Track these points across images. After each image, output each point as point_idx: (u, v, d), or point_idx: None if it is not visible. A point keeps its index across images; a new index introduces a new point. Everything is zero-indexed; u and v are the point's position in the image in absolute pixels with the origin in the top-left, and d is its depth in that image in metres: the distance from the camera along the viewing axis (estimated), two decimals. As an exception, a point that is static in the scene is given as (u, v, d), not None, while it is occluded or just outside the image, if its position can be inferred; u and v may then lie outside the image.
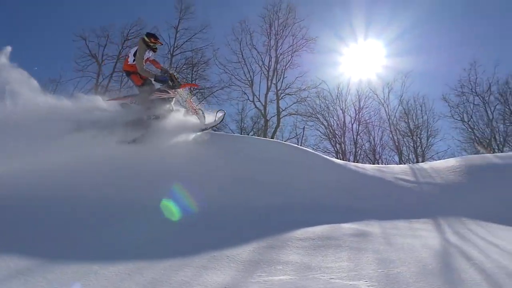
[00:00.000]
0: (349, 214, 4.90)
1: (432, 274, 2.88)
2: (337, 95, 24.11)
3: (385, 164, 21.71)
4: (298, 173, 6.55)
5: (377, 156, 24.05)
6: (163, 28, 23.23)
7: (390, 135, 23.65)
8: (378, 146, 24.06)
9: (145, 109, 6.98)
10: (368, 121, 24.26)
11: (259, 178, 6.06)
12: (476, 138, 23.12)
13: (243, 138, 7.56)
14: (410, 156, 23.60)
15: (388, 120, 23.67)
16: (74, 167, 5.51)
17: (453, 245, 3.93)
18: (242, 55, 22.77)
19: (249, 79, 22.48)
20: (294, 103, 22.80)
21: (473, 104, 23.44)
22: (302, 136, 23.92)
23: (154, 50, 7.03)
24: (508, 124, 22.76)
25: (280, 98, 22.38)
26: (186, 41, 22.58)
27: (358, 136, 23.87)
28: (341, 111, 24.00)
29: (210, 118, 7.38)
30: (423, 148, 23.51)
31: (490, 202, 6.25)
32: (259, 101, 22.22)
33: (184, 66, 22.72)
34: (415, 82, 27.88)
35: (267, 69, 22.54)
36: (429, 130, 23.68)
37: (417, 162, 20.85)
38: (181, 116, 7.34)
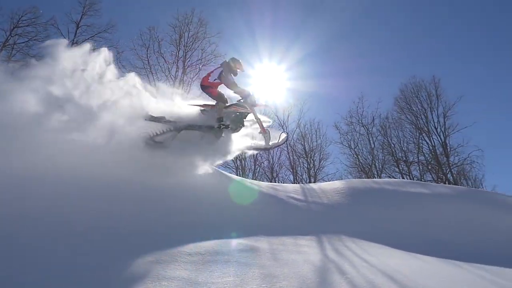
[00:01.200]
0: (240, 230, 4.98)
1: (310, 288, 3.09)
2: (241, 113, 24.68)
3: (281, 182, 22.87)
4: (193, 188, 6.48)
5: (274, 174, 25.19)
6: (62, 21, 21.29)
7: (287, 155, 25.10)
8: (276, 165, 25.27)
9: (219, 119, 7.45)
10: (268, 140, 25.24)
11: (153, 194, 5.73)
12: (360, 164, 25.85)
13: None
14: (304, 176, 25.29)
15: (286, 141, 25.08)
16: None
17: (331, 260, 4.27)
18: (148, 62, 22.01)
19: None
20: (199, 116, 22.58)
21: (359, 133, 26.39)
22: (204, 150, 23.83)
23: (235, 74, 7.74)
24: (386, 154, 25.98)
25: (186, 110, 22.04)
26: (88, 38, 20.96)
27: (258, 154, 24.73)
28: (243, 128, 24.55)
29: (274, 138, 8.00)
30: (316, 170, 25.38)
31: (366, 222, 6.98)
32: (164, 111, 21.54)
33: (84, 64, 21.02)
34: (312, 108, 30.08)
35: (173, 79, 22.13)
36: (322, 153, 25.71)
37: (310, 182, 22.40)
38: (248, 132, 8.11)
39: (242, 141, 8.00)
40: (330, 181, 16.15)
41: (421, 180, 22.44)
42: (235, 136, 7.83)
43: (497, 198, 9.85)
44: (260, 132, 7.82)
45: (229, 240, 4.40)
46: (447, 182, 22.33)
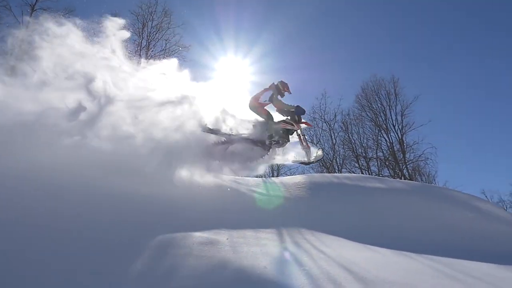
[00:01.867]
0: (201, 223, 4.93)
1: (267, 281, 3.13)
2: (206, 107, 24.44)
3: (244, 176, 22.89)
4: (156, 182, 6.34)
5: (238, 169, 25.20)
6: (15, 3, 20.08)
7: (251, 150, 25.11)
8: (240, 159, 25.19)
9: (270, 136, 8.36)
10: (233, 135, 25.16)
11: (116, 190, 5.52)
12: (322, 159, 26.42)
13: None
14: (267, 170, 25.51)
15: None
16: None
17: (290, 252, 4.35)
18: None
19: (115, 75, 20.99)
20: (163, 107, 22.12)
21: (322, 129, 26.99)
22: (170, 144, 23.37)
23: (282, 95, 8.76)
24: (347, 149, 26.80)
25: (148, 100, 21.52)
26: (43, 22, 19.85)
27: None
28: (208, 122, 24.30)
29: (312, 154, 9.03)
30: (278, 164, 25.67)
31: (325, 215, 7.14)
32: (125, 101, 20.88)
33: (41, 50, 19.94)
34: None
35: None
36: (284, 148, 25.91)
37: (273, 176, 22.63)
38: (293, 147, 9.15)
39: (286, 155, 9.34)
40: (292, 175, 16.39)
41: (379, 175, 23.33)
42: (280, 150, 9.09)
43: (447, 194, 10.39)
44: (303, 148, 8.83)
45: (189, 233, 4.35)
46: (403, 178, 23.33)
